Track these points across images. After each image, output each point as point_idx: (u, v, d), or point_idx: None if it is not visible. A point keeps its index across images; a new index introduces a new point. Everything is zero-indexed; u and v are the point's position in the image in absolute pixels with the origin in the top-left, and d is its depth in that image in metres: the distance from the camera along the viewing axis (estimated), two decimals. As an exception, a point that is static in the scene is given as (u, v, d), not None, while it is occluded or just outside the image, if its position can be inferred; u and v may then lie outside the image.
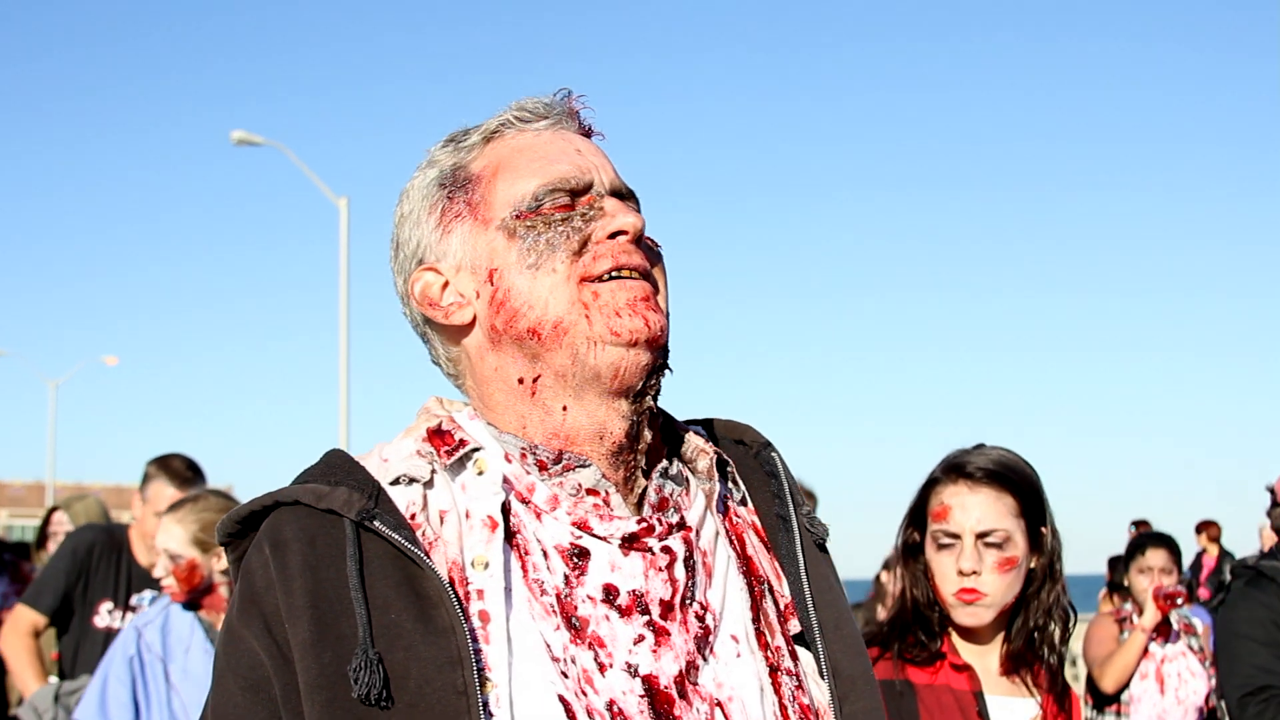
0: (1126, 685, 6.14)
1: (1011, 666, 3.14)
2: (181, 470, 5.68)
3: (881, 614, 9.77)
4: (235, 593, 1.55)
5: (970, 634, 3.13)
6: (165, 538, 4.43)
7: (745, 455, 1.79)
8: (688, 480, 1.68)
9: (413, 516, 1.53)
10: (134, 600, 5.50)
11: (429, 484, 1.57)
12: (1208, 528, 15.29)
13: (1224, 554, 14.98)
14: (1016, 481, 3.12)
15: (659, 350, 1.60)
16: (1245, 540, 15.87)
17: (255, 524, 1.59)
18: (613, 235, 1.60)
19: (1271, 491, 5.20)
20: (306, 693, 1.44)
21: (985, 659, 3.14)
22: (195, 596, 4.46)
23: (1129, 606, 6.48)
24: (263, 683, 1.49)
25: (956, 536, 3.08)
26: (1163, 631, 6.24)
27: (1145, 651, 6.17)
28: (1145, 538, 6.69)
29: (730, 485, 1.73)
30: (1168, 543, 6.60)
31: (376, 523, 1.48)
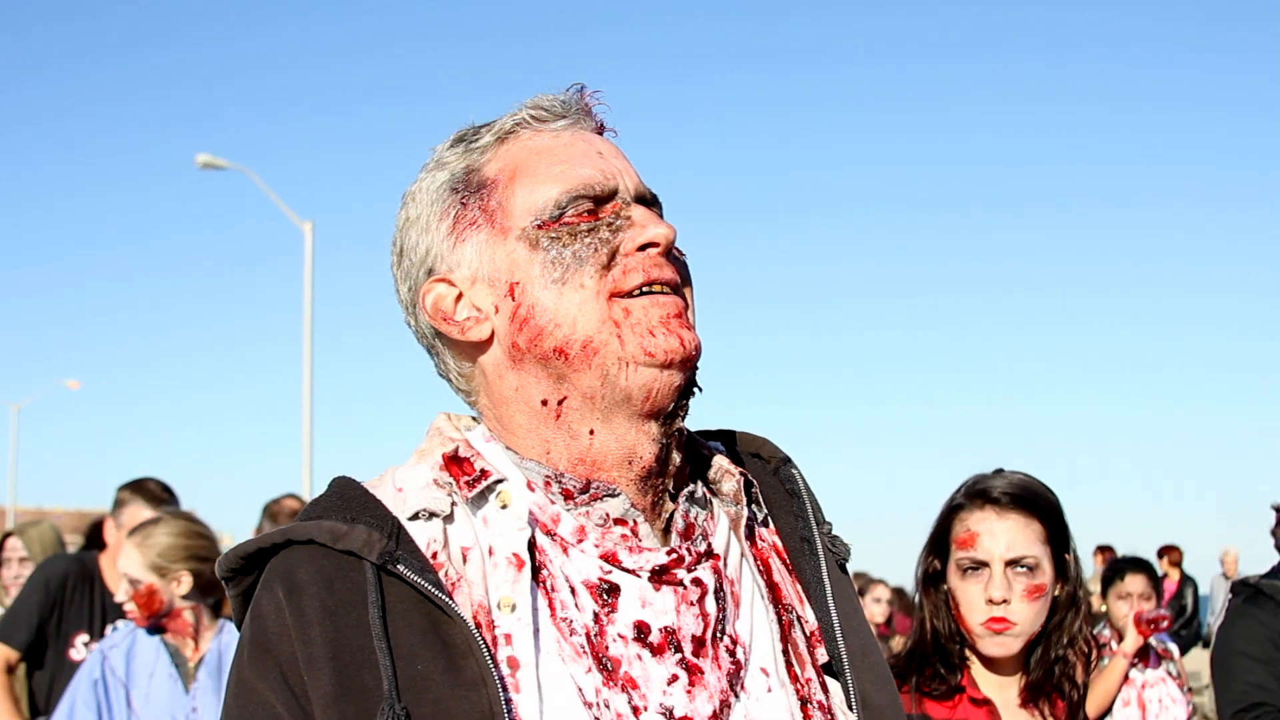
0: (1109, 712, 6.06)
1: (1030, 699, 3.07)
2: (157, 492, 5.63)
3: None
4: (244, 638, 1.46)
5: (991, 665, 3.06)
6: (124, 562, 4.42)
7: (763, 471, 1.71)
8: (710, 503, 1.60)
9: (434, 555, 1.44)
10: (109, 631, 5.36)
11: (448, 518, 1.48)
12: (1169, 552, 15.38)
13: (1185, 579, 15.13)
14: (1043, 507, 3.07)
15: (691, 370, 1.53)
16: (1207, 565, 15.90)
17: (261, 560, 1.50)
18: (642, 247, 1.52)
19: (1277, 509, 5.20)
20: None
21: (1005, 692, 3.06)
22: (156, 621, 4.44)
23: (1107, 632, 6.41)
24: None
25: (984, 564, 3.01)
26: (1142, 657, 6.18)
27: (1126, 678, 6.10)
28: (1123, 563, 6.67)
29: (753, 506, 1.65)
30: (1146, 568, 6.58)
31: (400, 567, 1.40)
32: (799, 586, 1.63)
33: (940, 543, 3.12)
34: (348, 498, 1.49)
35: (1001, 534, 3.00)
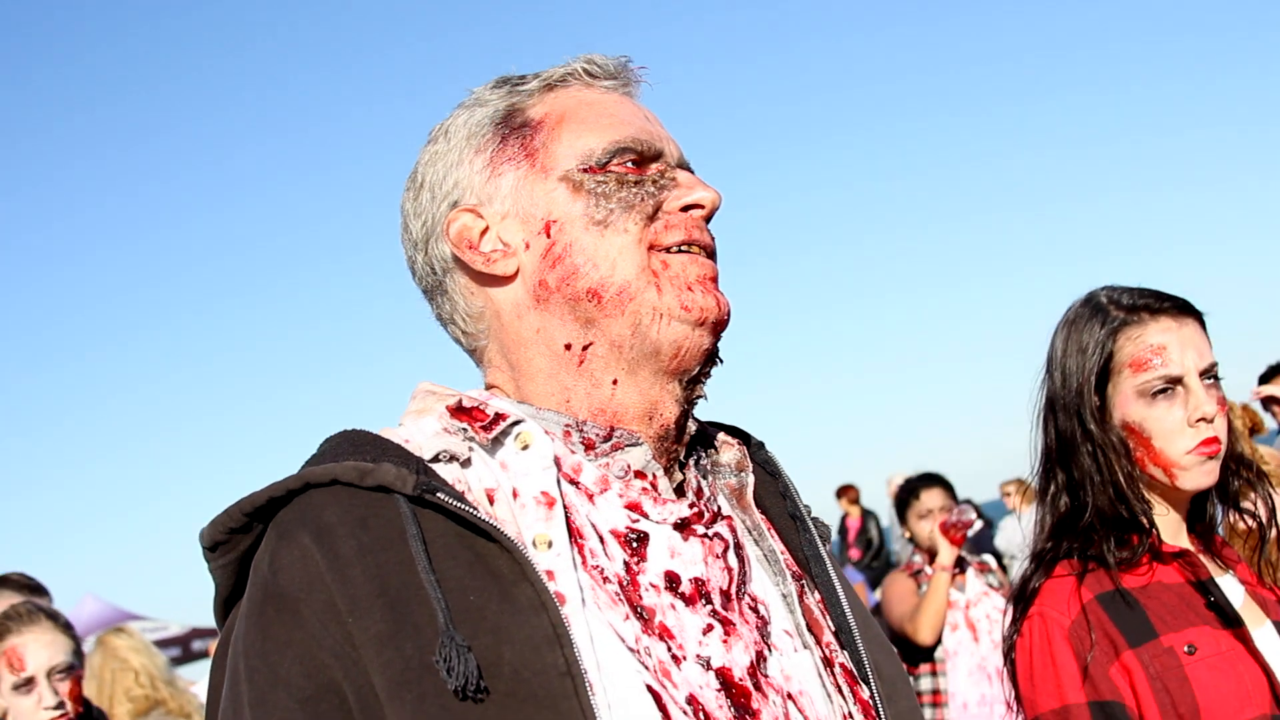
0: (940, 639, 5.39)
1: (1208, 541, 2.72)
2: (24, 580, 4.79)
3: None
4: (257, 598, 1.35)
5: (1175, 507, 2.66)
6: (49, 652, 3.64)
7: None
8: (709, 475, 1.62)
9: (462, 495, 1.39)
10: None
11: (465, 463, 1.44)
12: (846, 491, 15.79)
13: (866, 513, 15.57)
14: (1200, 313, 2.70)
15: (719, 336, 1.54)
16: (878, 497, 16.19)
17: (264, 515, 1.40)
18: (685, 208, 1.54)
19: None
20: (392, 691, 1.28)
21: (1180, 539, 2.69)
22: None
23: (918, 558, 5.81)
24: (324, 692, 1.30)
25: (1178, 380, 2.56)
26: (959, 571, 5.69)
27: (949, 602, 5.49)
28: (915, 482, 6.21)
29: (753, 476, 1.67)
30: (939, 481, 6.08)
31: (440, 495, 1.35)
32: (793, 563, 1.66)
33: (1103, 376, 2.63)
34: (359, 442, 1.44)
35: (1189, 343, 2.58)
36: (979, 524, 5.84)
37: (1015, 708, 2.61)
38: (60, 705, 3.60)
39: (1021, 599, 2.61)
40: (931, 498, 6.06)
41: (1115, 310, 2.63)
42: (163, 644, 11.09)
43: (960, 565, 5.92)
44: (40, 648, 3.65)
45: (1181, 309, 2.62)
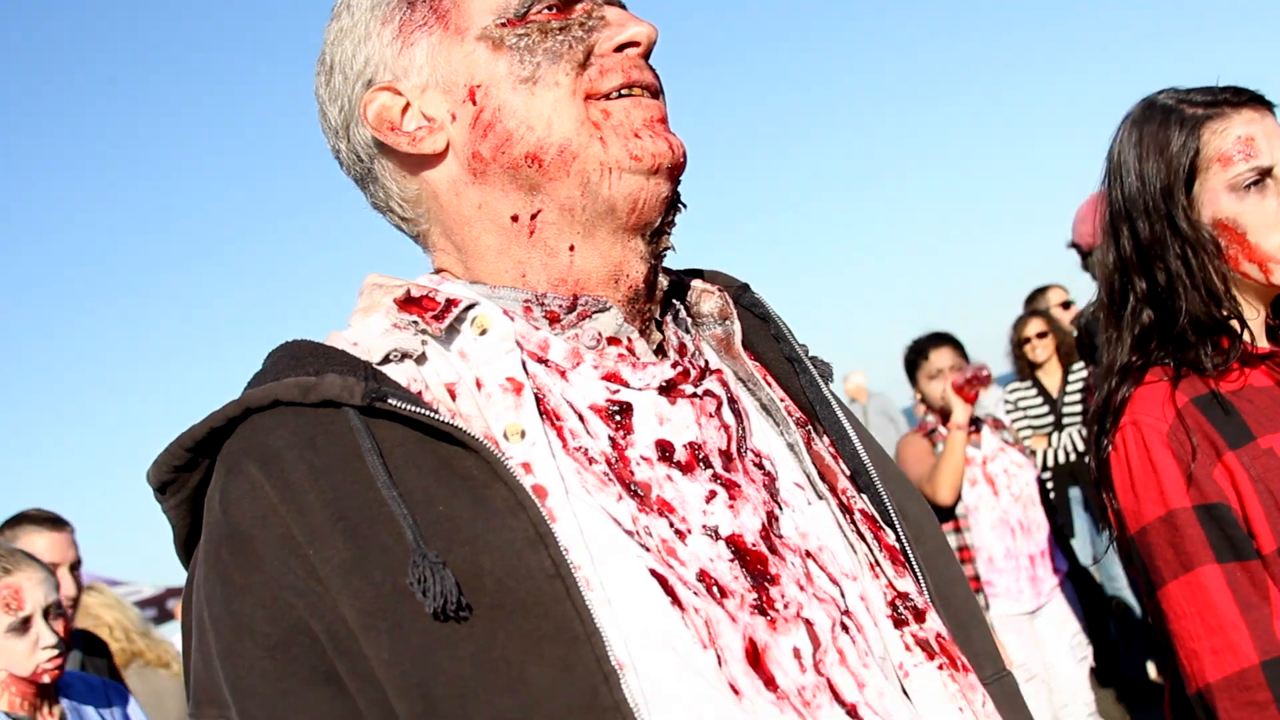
0: (960, 498, 5.26)
1: None
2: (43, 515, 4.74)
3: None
4: (214, 539, 1.26)
5: (1263, 307, 2.55)
6: (44, 590, 3.57)
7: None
8: (691, 329, 1.53)
9: (419, 394, 1.30)
10: None
11: (420, 359, 1.34)
12: None
13: None
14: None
15: (677, 181, 1.42)
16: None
17: (210, 448, 1.29)
18: (620, 48, 1.40)
19: (1076, 246, 4.62)
20: (364, 623, 1.17)
21: (1261, 340, 2.56)
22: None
23: (931, 419, 5.67)
24: (292, 635, 1.20)
25: (1268, 172, 2.43)
26: (974, 430, 5.56)
27: (966, 459, 5.37)
28: (922, 342, 6.02)
29: (739, 323, 1.58)
30: (948, 340, 5.85)
31: (391, 401, 1.24)
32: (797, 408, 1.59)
33: (1191, 174, 2.49)
34: (300, 355, 1.31)
35: (1274, 133, 2.46)
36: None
37: (1114, 524, 2.49)
38: (59, 645, 3.53)
39: (1108, 412, 2.50)
40: (941, 357, 5.95)
41: (1191, 108, 2.51)
42: (138, 606, 10.87)
43: (974, 423, 5.83)
44: (34, 585, 3.56)
45: (1259, 101, 2.50)
